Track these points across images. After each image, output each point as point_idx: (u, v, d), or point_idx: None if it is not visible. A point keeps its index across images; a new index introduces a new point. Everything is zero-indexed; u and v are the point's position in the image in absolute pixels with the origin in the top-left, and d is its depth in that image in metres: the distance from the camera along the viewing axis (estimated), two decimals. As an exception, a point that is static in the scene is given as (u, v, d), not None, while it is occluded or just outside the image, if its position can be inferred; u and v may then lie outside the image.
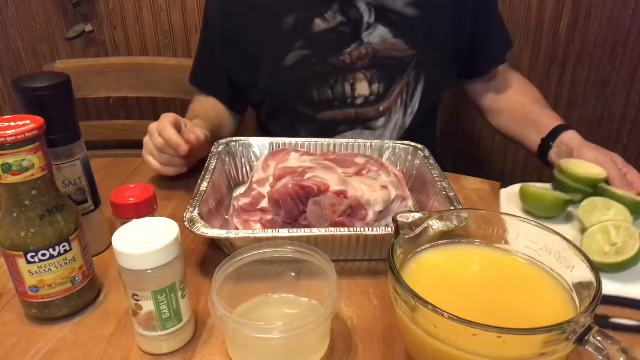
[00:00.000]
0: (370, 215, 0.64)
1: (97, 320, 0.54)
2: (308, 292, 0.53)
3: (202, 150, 0.79)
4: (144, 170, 0.86)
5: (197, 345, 0.51)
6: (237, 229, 0.65)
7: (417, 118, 0.99)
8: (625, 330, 0.53)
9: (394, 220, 0.47)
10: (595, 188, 0.73)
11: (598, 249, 0.60)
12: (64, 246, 0.51)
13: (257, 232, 0.59)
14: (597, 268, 0.41)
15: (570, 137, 0.87)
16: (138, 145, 0.83)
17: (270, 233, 0.58)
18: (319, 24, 0.92)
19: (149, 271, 0.45)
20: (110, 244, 0.46)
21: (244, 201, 0.68)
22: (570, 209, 0.72)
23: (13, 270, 0.50)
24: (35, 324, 0.53)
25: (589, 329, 0.36)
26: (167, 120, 0.77)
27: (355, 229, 0.60)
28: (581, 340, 0.36)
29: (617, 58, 1.56)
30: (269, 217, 0.66)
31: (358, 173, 0.71)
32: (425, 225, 0.48)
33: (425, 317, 0.38)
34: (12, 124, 0.46)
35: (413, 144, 0.83)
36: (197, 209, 0.61)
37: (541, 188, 0.73)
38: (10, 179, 0.46)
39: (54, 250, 0.50)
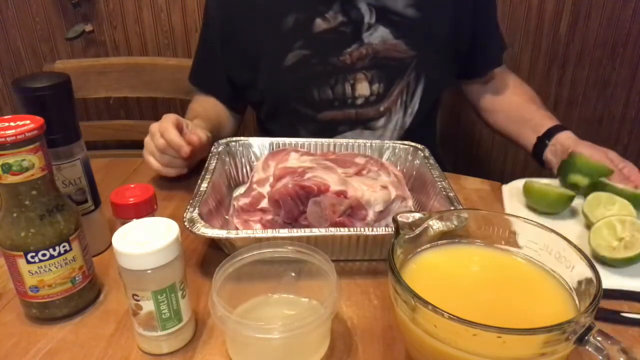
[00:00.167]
0: (370, 215, 0.64)
1: (97, 320, 0.54)
2: (308, 292, 0.53)
3: (203, 151, 0.79)
4: (144, 170, 0.86)
5: (197, 345, 0.51)
6: (237, 229, 0.65)
7: (417, 118, 0.99)
8: (636, 325, 0.53)
9: (394, 220, 0.47)
10: (597, 181, 0.73)
11: (606, 244, 0.61)
12: (64, 246, 0.51)
13: (257, 232, 0.59)
14: (595, 267, 0.41)
15: (566, 136, 0.88)
16: (138, 145, 0.83)
17: (270, 233, 0.58)
18: (320, 24, 0.92)
19: (149, 271, 0.45)
20: (110, 244, 0.46)
21: (244, 201, 0.68)
22: (573, 204, 0.72)
23: (13, 270, 0.50)
24: (35, 324, 0.53)
25: (589, 329, 0.36)
26: (168, 121, 0.77)
27: (355, 229, 0.60)
28: (581, 340, 0.36)
29: (617, 58, 1.56)
30: (269, 217, 0.66)
31: (358, 173, 0.71)
32: (425, 225, 0.48)
33: (425, 317, 0.38)
34: (12, 124, 0.46)
35: (413, 144, 0.83)
36: (197, 209, 0.61)
37: (545, 184, 0.73)
38: (10, 179, 0.46)
39: (54, 250, 0.50)
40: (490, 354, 0.36)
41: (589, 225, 0.66)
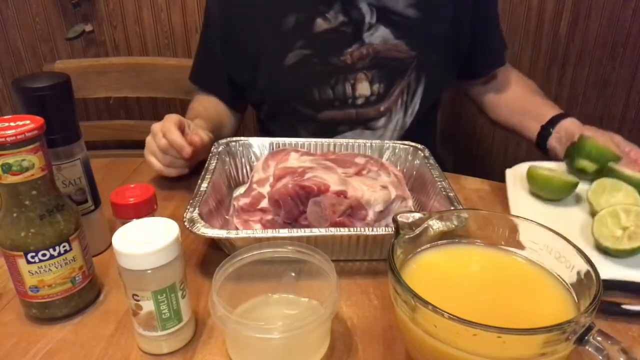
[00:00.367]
0: (370, 215, 0.64)
1: (97, 320, 0.54)
2: (308, 292, 0.53)
3: (204, 151, 0.79)
4: (144, 170, 0.86)
5: (197, 345, 0.51)
6: (237, 229, 0.65)
7: (417, 118, 0.99)
8: (637, 316, 0.53)
9: (394, 220, 0.47)
10: (604, 167, 0.72)
11: (609, 234, 0.60)
12: (64, 246, 0.51)
13: (257, 232, 0.59)
14: (595, 267, 0.41)
15: (570, 122, 0.88)
16: (138, 145, 0.83)
17: (270, 233, 0.58)
18: (320, 24, 0.92)
19: (149, 271, 0.45)
20: (110, 244, 0.46)
21: (244, 201, 0.68)
22: (578, 190, 0.72)
23: (13, 270, 0.50)
24: (35, 324, 0.53)
25: (589, 329, 0.36)
26: (171, 121, 0.77)
27: (355, 229, 0.60)
28: (581, 340, 0.36)
29: (617, 58, 1.56)
30: (269, 217, 0.66)
31: (358, 173, 0.71)
32: (425, 225, 0.48)
33: (425, 317, 0.38)
34: (12, 124, 0.46)
35: (413, 144, 0.83)
36: (197, 209, 0.61)
37: (549, 170, 0.73)
38: (10, 179, 0.46)
39: (54, 250, 0.50)
40: (490, 354, 0.36)
41: (593, 213, 0.65)
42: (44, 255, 0.49)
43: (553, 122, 0.90)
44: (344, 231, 0.59)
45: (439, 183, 0.70)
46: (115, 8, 1.51)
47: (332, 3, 0.92)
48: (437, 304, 0.36)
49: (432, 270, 0.47)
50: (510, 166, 0.82)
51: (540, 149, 0.93)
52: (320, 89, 0.95)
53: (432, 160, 0.77)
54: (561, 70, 1.58)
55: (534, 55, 1.56)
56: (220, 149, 0.79)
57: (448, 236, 0.50)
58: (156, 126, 0.78)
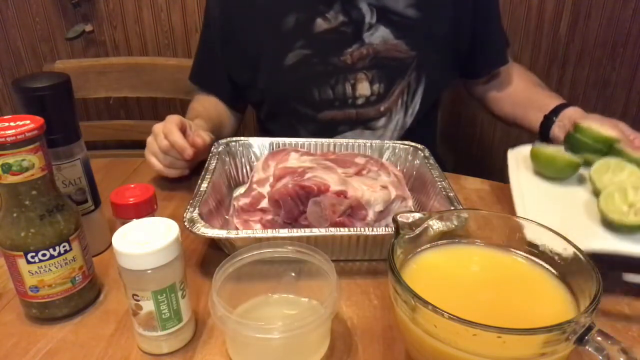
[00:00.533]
0: (370, 215, 0.64)
1: (97, 320, 0.54)
2: (308, 292, 0.53)
3: (205, 152, 0.79)
4: (144, 170, 0.86)
5: (197, 345, 0.51)
6: (237, 229, 0.65)
7: (417, 118, 0.99)
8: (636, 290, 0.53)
9: (394, 220, 0.47)
10: (609, 149, 0.72)
11: (616, 209, 0.60)
12: (64, 246, 0.51)
13: (257, 232, 0.59)
14: (595, 266, 0.41)
15: (573, 111, 0.87)
16: (138, 145, 0.83)
17: (270, 233, 0.58)
18: (320, 24, 0.92)
19: (149, 271, 0.45)
20: (110, 244, 0.46)
21: (244, 201, 0.68)
22: (581, 170, 0.72)
23: (13, 270, 0.50)
24: (35, 324, 0.53)
25: (589, 329, 0.36)
26: (172, 122, 0.77)
27: (355, 229, 0.60)
28: (581, 340, 0.36)
29: (617, 58, 1.56)
30: (269, 217, 0.66)
31: (358, 173, 0.71)
32: (425, 225, 0.48)
33: (425, 317, 0.38)
34: (12, 124, 0.46)
35: (413, 144, 0.83)
36: (197, 209, 0.61)
37: (553, 149, 0.72)
38: (10, 179, 0.46)
39: (54, 250, 0.50)
40: (490, 354, 0.36)
41: (596, 191, 0.65)
42: (44, 255, 0.49)
43: (556, 111, 0.89)
44: (344, 231, 0.59)
45: (439, 183, 0.70)
46: (115, 8, 1.51)
47: (332, 3, 0.92)
48: (437, 304, 0.36)
49: (432, 270, 0.47)
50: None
51: (543, 138, 0.92)
52: (320, 89, 0.95)
53: (432, 160, 0.77)
54: (561, 70, 1.58)
55: (534, 55, 1.56)
56: (220, 149, 0.79)
57: (448, 236, 0.50)
58: (158, 127, 0.78)
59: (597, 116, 0.82)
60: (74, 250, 0.52)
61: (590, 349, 0.36)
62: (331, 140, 0.83)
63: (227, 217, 0.70)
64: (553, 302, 0.43)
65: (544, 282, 0.45)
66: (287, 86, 0.97)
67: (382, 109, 0.96)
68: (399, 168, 0.80)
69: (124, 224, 0.48)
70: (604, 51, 1.55)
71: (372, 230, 0.59)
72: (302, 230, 0.59)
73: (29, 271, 0.50)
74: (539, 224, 0.47)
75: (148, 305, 0.46)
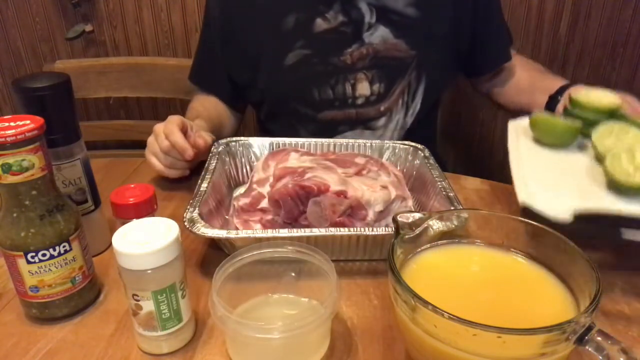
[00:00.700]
0: (370, 215, 0.64)
1: (97, 320, 0.54)
2: (308, 292, 0.53)
3: (205, 153, 0.79)
4: (144, 170, 0.86)
5: (197, 345, 0.51)
6: (237, 229, 0.65)
7: (417, 118, 0.99)
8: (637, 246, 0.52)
9: (394, 220, 0.47)
10: (612, 116, 0.69)
11: (622, 170, 0.59)
12: (64, 246, 0.51)
13: (257, 232, 0.59)
14: (595, 266, 0.41)
15: (579, 87, 0.86)
16: (138, 145, 0.83)
17: (270, 233, 0.58)
18: (320, 24, 0.92)
19: (149, 271, 0.45)
20: (110, 244, 0.46)
21: (244, 201, 0.68)
22: (583, 140, 0.70)
23: (13, 270, 0.50)
24: (35, 324, 0.53)
25: (589, 329, 0.36)
26: (173, 122, 0.77)
27: (355, 229, 0.60)
28: (581, 340, 0.36)
29: (617, 58, 1.56)
30: (269, 217, 0.66)
31: (358, 173, 0.71)
32: (425, 225, 0.48)
33: (425, 317, 0.38)
34: (12, 124, 0.46)
35: (413, 144, 0.83)
36: (197, 209, 0.61)
37: (552, 116, 0.71)
38: (10, 179, 0.46)
39: (54, 250, 0.50)
40: (490, 354, 0.36)
41: (598, 157, 0.63)
42: (44, 255, 0.49)
43: (561, 91, 0.89)
44: (344, 231, 0.59)
45: (439, 183, 0.70)
46: (115, 8, 1.51)
47: (331, 3, 0.92)
48: (437, 304, 0.36)
49: (432, 270, 0.47)
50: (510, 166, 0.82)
51: None
52: (320, 89, 0.95)
53: (432, 160, 0.77)
54: (561, 70, 1.58)
55: (534, 55, 1.56)
56: (220, 149, 0.79)
57: (448, 236, 0.50)
58: (158, 127, 0.78)
59: (600, 88, 0.79)
60: (74, 250, 0.52)
61: (590, 349, 0.36)
62: (331, 140, 0.83)
63: (227, 217, 0.70)
64: (553, 302, 0.43)
65: (544, 282, 0.45)
66: (287, 86, 0.97)
67: (382, 108, 0.96)
68: (399, 168, 0.80)
69: (124, 224, 0.48)
70: (604, 51, 1.55)
71: (372, 230, 0.59)
72: (302, 230, 0.59)
73: (29, 271, 0.50)
74: (538, 224, 0.47)
75: (148, 305, 0.46)
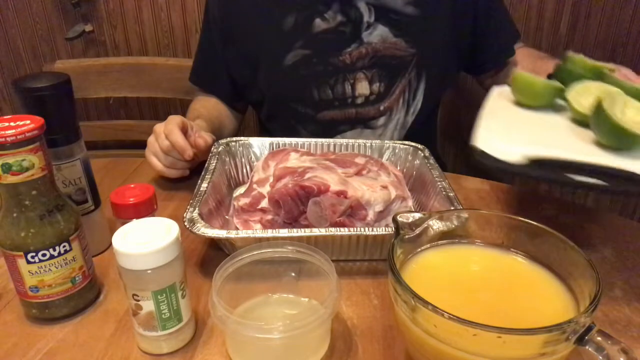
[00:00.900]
0: (370, 215, 0.64)
1: (97, 320, 0.54)
2: (308, 292, 0.53)
3: (206, 153, 0.79)
4: (144, 170, 0.86)
5: (197, 345, 0.51)
6: (237, 229, 0.65)
7: (419, 117, 0.99)
8: (584, 189, 0.51)
9: (394, 220, 0.47)
10: (600, 78, 0.67)
11: (621, 115, 0.56)
12: (64, 246, 0.51)
13: (257, 232, 0.59)
14: (595, 266, 0.41)
15: None
16: (138, 145, 0.83)
17: (270, 233, 0.58)
18: (319, 24, 0.93)
19: (149, 271, 0.45)
20: (110, 244, 0.46)
21: (244, 201, 0.68)
22: (565, 103, 0.67)
23: (13, 270, 0.50)
24: (35, 324, 0.53)
25: (589, 329, 0.36)
26: (174, 123, 0.77)
27: (355, 229, 0.60)
28: (581, 340, 0.36)
29: (617, 58, 1.56)
30: (269, 217, 0.66)
31: (358, 173, 0.71)
32: (425, 225, 0.48)
33: (425, 317, 0.38)
34: (12, 124, 0.46)
35: (413, 144, 0.83)
36: (197, 209, 0.61)
37: (534, 75, 0.68)
38: (10, 179, 0.46)
39: (54, 250, 0.50)
40: (490, 354, 0.36)
41: (574, 117, 0.60)
42: (44, 255, 0.49)
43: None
44: (344, 231, 0.59)
45: (439, 183, 0.70)
46: (115, 8, 1.51)
47: (330, 3, 0.92)
48: (437, 304, 0.36)
49: (432, 270, 0.47)
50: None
51: None
52: (320, 89, 0.95)
53: (432, 160, 0.77)
54: (561, 70, 1.58)
55: (534, 55, 1.56)
56: (220, 149, 0.79)
57: (448, 236, 0.50)
58: (159, 127, 0.78)
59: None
60: (74, 250, 0.52)
61: (590, 349, 0.36)
62: (331, 140, 0.83)
63: (227, 217, 0.70)
64: (553, 302, 0.43)
65: (544, 282, 0.45)
66: (286, 86, 0.97)
67: (382, 108, 0.96)
68: (399, 168, 0.80)
69: (124, 224, 0.48)
70: (604, 51, 1.55)
71: (372, 230, 0.59)
72: (302, 230, 0.59)
73: (29, 271, 0.50)
74: (538, 224, 0.47)
75: (148, 305, 0.46)
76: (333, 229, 0.59)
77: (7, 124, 0.46)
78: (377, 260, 0.64)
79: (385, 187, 0.68)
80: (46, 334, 0.52)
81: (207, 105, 1.03)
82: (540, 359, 0.36)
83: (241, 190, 0.76)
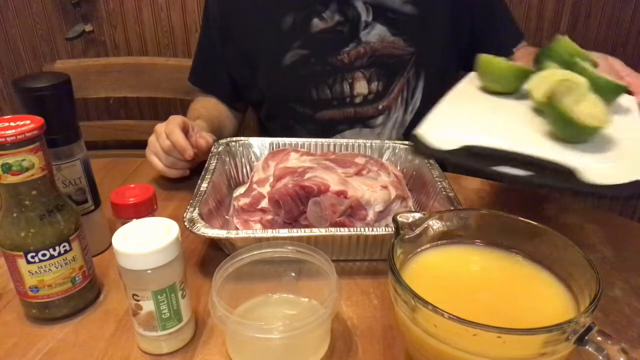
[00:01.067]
0: (370, 215, 0.64)
1: (97, 320, 0.54)
2: (308, 292, 0.53)
3: (207, 153, 0.79)
4: (144, 170, 0.86)
5: (197, 345, 0.51)
6: (237, 229, 0.65)
7: (418, 115, 0.99)
8: (509, 181, 0.48)
9: (394, 220, 0.47)
10: (571, 65, 0.63)
11: (572, 105, 0.52)
12: (64, 246, 0.51)
13: (257, 232, 0.59)
14: (595, 266, 0.41)
15: None
16: (138, 145, 0.83)
17: (270, 233, 0.58)
18: (317, 24, 0.93)
19: (149, 271, 0.45)
20: (110, 244, 0.46)
21: (244, 201, 0.68)
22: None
23: (13, 270, 0.50)
24: (35, 324, 0.53)
25: (589, 329, 0.36)
26: (175, 123, 0.77)
27: (355, 229, 0.60)
28: (581, 340, 0.36)
29: (617, 58, 1.56)
30: (269, 217, 0.66)
31: (358, 173, 0.71)
32: (425, 225, 0.48)
33: (425, 317, 0.38)
34: (12, 124, 0.46)
35: (413, 144, 0.82)
36: (197, 209, 0.61)
37: (499, 58, 0.63)
38: (10, 179, 0.46)
39: (54, 250, 0.50)
40: (490, 354, 0.36)
41: (537, 109, 0.57)
42: (44, 255, 0.49)
43: None
44: (344, 231, 0.59)
45: (439, 183, 0.70)
46: (115, 8, 1.51)
47: (328, 3, 0.92)
48: (437, 304, 0.36)
49: (432, 270, 0.47)
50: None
51: None
52: (318, 89, 0.95)
53: (432, 160, 0.77)
54: (561, 70, 1.58)
55: (534, 55, 1.56)
56: (220, 149, 0.79)
57: (448, 236, 0.50)
58: (160, 127, 0.78)
59: (591, 52, 0.74)
60: (74, 250, 0.52)
61: (590, 349, 0.36)
62: (331, 140, 0.83)
63: (227, 217, 0.70)
64: (553, 302, 0.43)
65: (544, 282, 0.45)
66: (285, 86, 0.97)
67: (380, 107, 0.96)
68: (399, 168, 0.80)
69: (124, 224, 0.48)
70: (604, 51, 1.54)
71: (372, 230, 0.59)
72: (302, 230, 0.59)
73: (29, 271, 0.50)
74: (537, 224, 0.47)
75: (148, 305, 0.46)
76: (333, 229, 0.59)
77: (7, 124, 0.46)
78: (377, 260, 0.64)
79: (385, 187, 0.68)
80: (46, 334, 0.52)
81: (207, 106, 1.03)
82: (540, 359, 0.36)
83: (241, 190, 0.76)
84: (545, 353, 0.36)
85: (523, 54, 1.03)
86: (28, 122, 0.46)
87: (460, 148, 0.52)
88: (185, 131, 0.78)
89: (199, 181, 0.68)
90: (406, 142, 0.83)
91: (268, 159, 0.75)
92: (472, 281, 0.47)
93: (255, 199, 0.68)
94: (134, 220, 0.49)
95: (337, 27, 0.93)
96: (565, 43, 0.65)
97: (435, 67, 0.97)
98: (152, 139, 0.79)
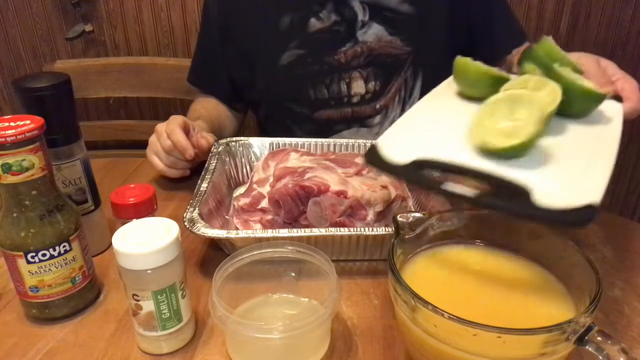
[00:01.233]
0: (370, 215, 0.64)
1: (97, 320, 0.54)
2: (308, 292, 0.53)
3: (207, 153, 0.79)
4: (144, 170, 0.86)
5: (197, 345, 0.51)
6: (237, 229, 0.65)
7: None
8: (455, 198, 0.43)
9: (394, 220, 0.47)
10: (550, 70, 0.58)
11: (491, 125, 0.47)
12: (64, 246, 0.51)
13: (257, 232, 0.59)
14: (595, 267, 0.41)
15: None
16: (138, 145, 0.83)
17: (270, 233, 0.58)
18: (314, 24, 0.93)
19: (149, 271, 0.45)
20: (110, 244, 0.46)
21: (244, 201, 0.68)
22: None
23: (13, 270, 0.50)
24: (35, 324, 0.53)
25: (589, 329, 0.36)
26: (175, 122, 0.77)
27: (355, 229, 0.60)
28: (581, 340, 0.36)
29: (617, 58, 1.56)
30: (269, 217, 0.66)
31: (358, 173, 0.71)
32: (425, 225, 0.48)
33: (425, 317, 0.38)
34: (12, 124, 0.46)
35: (413, 143, 0.82)
36: (197, 209, 0.61)
37: (474, 61, 0.58)
38: (10, 179, 0.46)
39: (54, 250, 0.50)
40: (490, 354, 0.36)
41: None
42: (44, 255, 0.49)
43: None
44: (344, 231, 0.59)
45: (439, 183, 0.70)
46: (115, 8, 1.51)
47: (325, 2, 0.92)
48: (437, 304, 0.36)
49: (432, 270, 0.47)
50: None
51: None
52: (316, 89, 0.95)
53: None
54: (561, 70, 1.58)
55: (534, 55, 1.56)
56: (220, 149, 0.79)
57: (448, 236, 0.50)
58: (160, 126, 0.79)
59: (584, 53, 0.74)
60: (74, 250, 0.52)
61: (590, 349, 0.36)
62: (331, 140, 0.83)
63: (227, 217, 0.70)
64: (553, 302, 0.43)
65: (544, 282, 0.45)
66: (282, 86, 0.97)
67: (377, 106, 0.96)
68: (399, 168, 0.80)
69: (124, 224, 0.48)
70: (604, 51, 1.55)
71: (372, 230, 0.59)
72: (302, 230, 0.59)
73: (29, 271, 0.50)
74: (537, 224, 0.47)
75: (148, 305, 0.46)
76: (333, 229, 0.59)
77: (7, 124, 0.46)
78: (377, 260, 0.64)
79: (385, 187, 0.68)
80: (46, 334, 0.52)
81: (207, 107, 1.03)
82: (540, 359, 0.36)
83: (241, 190, 0.76)
84: (545, 353, 0.36)
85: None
86: (28, 122, 0.47)
87: (411, 163, 0.46)
88: (186, 131, 0.78)
89: (199, 181, 0.68)
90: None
91: (268, 159, 0.75)
92: (472, 281, 0.47)
93: (255, 199, 0.68)
94: (134, 220, 0.49)
95: (334, 26, 0.93)
96: (546, 45, 0.61)
97: (433, 66, 0.97)
98: (152, 139, 0.79)
